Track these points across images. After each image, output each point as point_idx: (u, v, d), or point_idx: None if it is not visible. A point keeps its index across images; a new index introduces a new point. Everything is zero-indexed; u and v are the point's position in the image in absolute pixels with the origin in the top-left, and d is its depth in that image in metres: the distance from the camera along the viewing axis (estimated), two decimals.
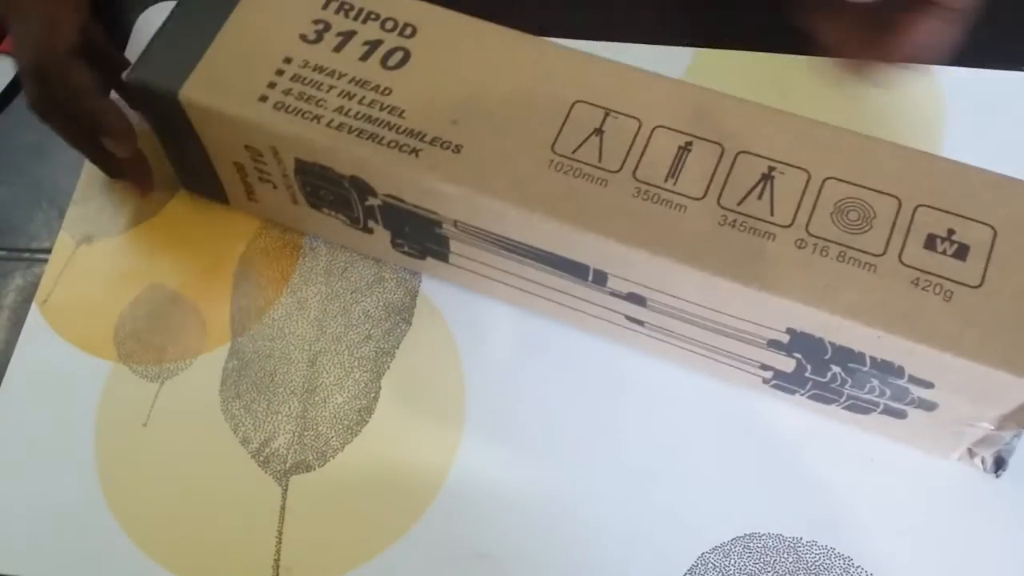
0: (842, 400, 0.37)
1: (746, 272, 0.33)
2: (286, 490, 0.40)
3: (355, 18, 0.39)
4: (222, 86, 0.38)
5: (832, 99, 0.44)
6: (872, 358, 0.33)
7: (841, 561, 0.37)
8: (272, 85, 0.37)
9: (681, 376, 0.41)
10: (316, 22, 0.39)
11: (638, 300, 0.37)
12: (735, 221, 0.34)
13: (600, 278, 0.37)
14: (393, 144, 0.36)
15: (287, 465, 0.40)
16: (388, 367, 0.42)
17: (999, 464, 0.37)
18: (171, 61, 0.38)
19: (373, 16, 0.39)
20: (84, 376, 0.42)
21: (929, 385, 0.34)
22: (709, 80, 0.38)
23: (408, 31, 0.38)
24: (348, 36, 0.38)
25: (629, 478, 0.39)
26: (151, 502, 0.40)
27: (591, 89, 0.37)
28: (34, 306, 0.44)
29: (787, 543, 0.37)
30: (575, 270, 0.37)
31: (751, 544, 0.38)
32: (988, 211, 0.33)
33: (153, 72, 0.38)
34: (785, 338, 0.35)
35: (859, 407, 0.37)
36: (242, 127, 0.38)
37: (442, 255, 0.40)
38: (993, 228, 0.33)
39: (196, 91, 0.37)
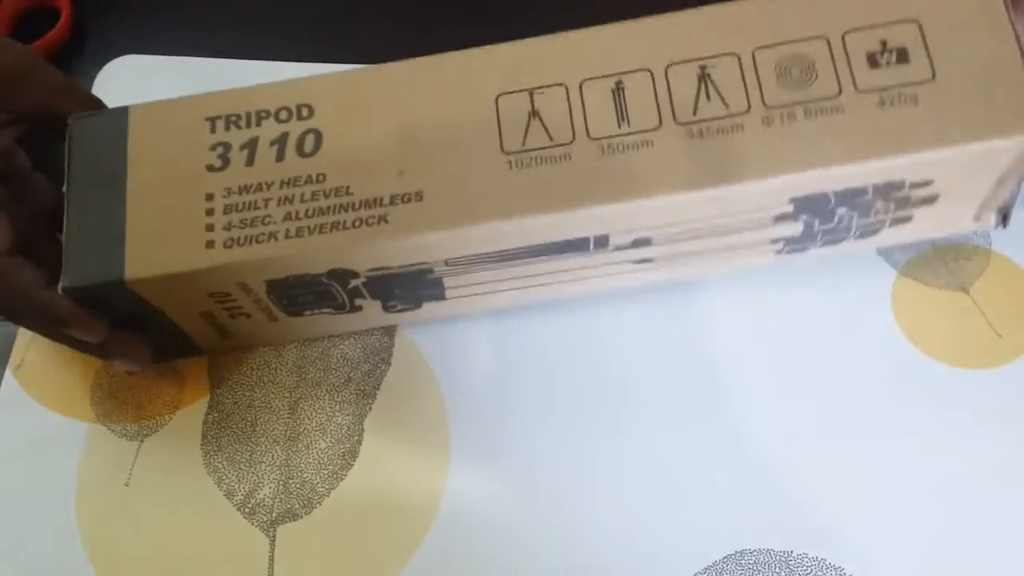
0: (852, 232, 0.39)
1: (735, 170, 0.34)
2: (274, 540, 0.39)
3: (247, 125, 0.36)
4: (163, 252, 0.35)
5: None
6: (874, 185, 0.35)
7: (833, 572, 0.37)
8: (210, 228, 0.35)
9: (663, 388, 0.41)
10: (213, 148, 0.36)
11: (643, 243, 0.37)
12: (700, 131, 0.34)
13: (602, 242, 0.37)
14: (358, 222, 0.35)
15: (273, 515, 0.40)
16: (370, 409, 0.42)
17: (1004, 217, 0.39)
18: (98, 255, 0.35)
19: (263, 114, 0.36)
20: (63, 439, 0.42)
21: (928, 182, 0.35)
22: None
23: (305, 112, 0.36)
24: (252, 144, 0.36)
25: (617, 496, 0.39)
26: (136, 562, 0.39)
27: (504, 78, 0.36)
28: (8, 373, 0.44)
29: (778, 557, 0.38)
30: (576, 246, 0.37)
31: (742, 561, 0.38)
32: (901, 8, 0.35)
33: (88, 274, 0.35)
34: (790, 208, 0.36)
35: (869, 231, 0.39)
36: (203, 280, 0.36)
37: (438, 295, 0.40)
38: (916, 20, 0.35)
39: (141, 269, 0.35)
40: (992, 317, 0.41)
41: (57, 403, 0.43)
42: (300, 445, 0.41)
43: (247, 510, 0.40)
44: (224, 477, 0.41)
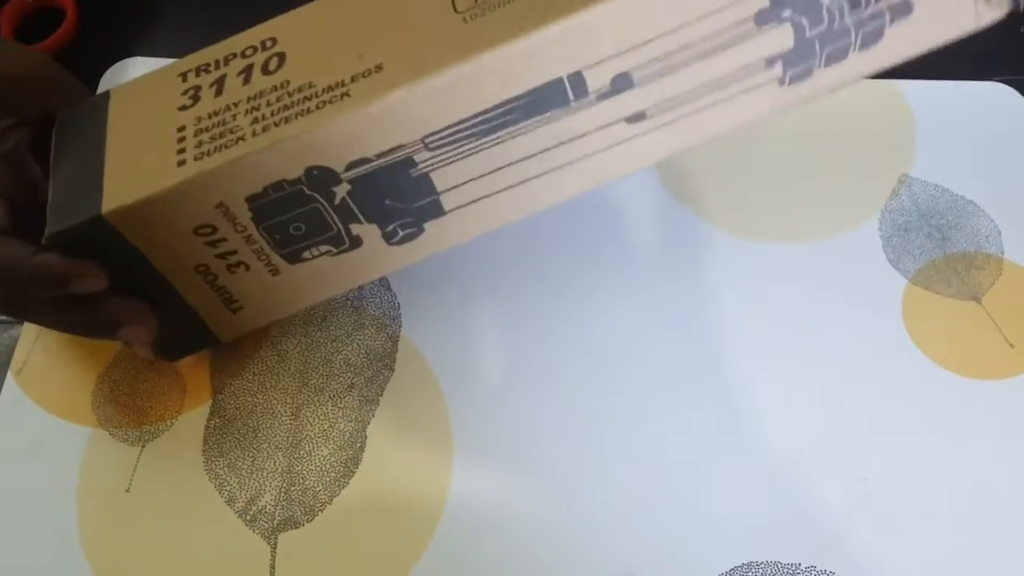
0: (853, 39, 0.36)
1: None
2: (275, 548, 0.39)
3: (216, 67, 0.37)
4: (137, 181, 0.35)
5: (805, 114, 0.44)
6: None
7: None
8: (182, 151, 0.35)
9: (671, 397, 0.40)
10: (185, 92, 0.37)
11: (625, 82, 0.35)
12: None
13: (578, 85, 0.35)
14: (322, 104, 0.34)
15: (275, 522, 0.39)
16: (373, 415, 0.42)
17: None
18: (77, 199, 0.35)
19: (231, 56, 0.37)
20: (64, 444, 0.41)
21: None
22: None
23: (269, 43, 0.37)
24: (220, 80, 0.37)
25: (623, 504, 0.39)
26: (137, 568, 0.39)
27: None
28: (9, 376, 0.43)
29: (786, 570, 0.37)
30: (554, 96, 0.35)
31: (750, 573, 0.37)
32: None
33: (67, 216, 0.35)
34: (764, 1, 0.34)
35: (870, 35, 0.36)
36: (179, 200, 0.35)
37: (436, 208, 0.38)
38: None
39: (116, 199, 0.35)
40: (1005, 328, 0.41)
41: (59, 407, 0.42)
42: (302, 452, 0.41)
43: (248, 517, 0.40)
44: (225, 484, 0.40)
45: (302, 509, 0.40)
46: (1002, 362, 0.40)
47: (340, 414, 0.42)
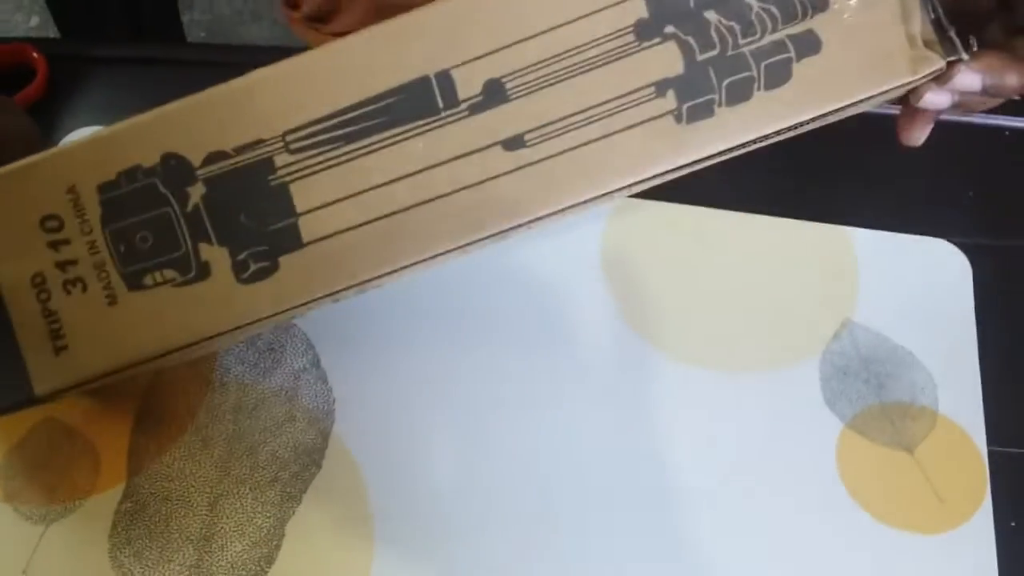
0: (758, 75, 0.34)
1: None
2: None
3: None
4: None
5: (751, 252, 0.45)
6: None
7: None
8: None
9: (603, 501, 0.40)
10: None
11: (498, 91, 0.34)
12: None
13: (447, 88, 0.34)
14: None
15: None
16: (294, 512, 0.40)
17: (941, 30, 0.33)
18: None
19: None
20: None
21: None
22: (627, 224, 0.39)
23: None
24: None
25: None
26: None
27: None
28: None
29: None
30: (421, 97, 0.34)
31: None
32: None
33: None
34: (644, 12, 0.33)
35: (776, 71, 0.34)
36: (34, 177, 0.34)
37: (293, 236, 0.35)
38: None
39: None
40: (936, 481, 0.41)
41: None
42: (215, 545, 0.39)
43: None
44: (129, 574, 0.38)
45: None
46: (931, 516, 0.40)
47: (259, 508, 0.40)
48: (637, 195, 0.39)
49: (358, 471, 0.41)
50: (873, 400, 0.43)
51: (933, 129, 0.36)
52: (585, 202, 0.35)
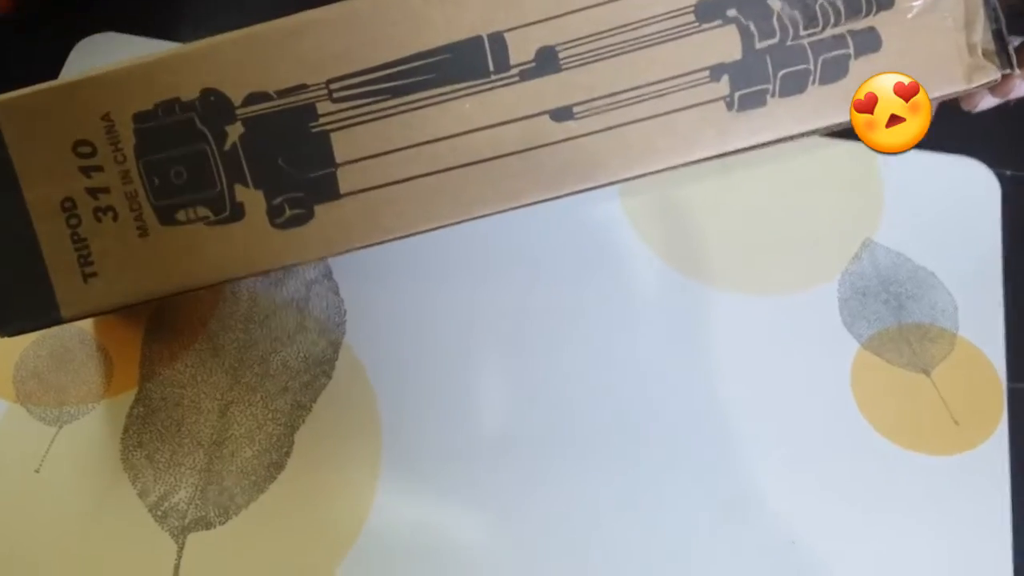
0: (814, 69, 0.33)
1: None
2: (182, 548, 0.37)
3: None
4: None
5: (775, 171, 0.44)
6: None
7: None
8: None
9: (611, 435, 0.39)
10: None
11: (550, 59, 0.33)
12: None
13: (499, 51, 0.33)
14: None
15: (186, 521, 0.38)
16: (303, 421, 0.40)
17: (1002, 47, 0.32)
18: None
19: None
20: None
21: None
22: None
23: None
24: None
25: (562, 545, 0.38)
26: (33, 551, 0.37)
27: None
28: None
29: None
30: (472, 57, 0.33)
31: None
32: None
33: None
34: None
35: (833, 66, 0.33)
36: (68, 100, 0.33)
37: (330, 186, 0.34)
38: None
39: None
40: (952, 404, 0.40)
41: None
42: (225, 451, 0.40)
43: (159, 513, 0.38)
44: (140, 475, 0.39)
45: (216, 510, 0.38)
46: (945, 438, 0.40)
47: (270, 416, 0.40)
48: None
49: (368, 383, 0.41)
50: (891, 321, 0.42)
51: None
52: (623, 180, 0.34)
